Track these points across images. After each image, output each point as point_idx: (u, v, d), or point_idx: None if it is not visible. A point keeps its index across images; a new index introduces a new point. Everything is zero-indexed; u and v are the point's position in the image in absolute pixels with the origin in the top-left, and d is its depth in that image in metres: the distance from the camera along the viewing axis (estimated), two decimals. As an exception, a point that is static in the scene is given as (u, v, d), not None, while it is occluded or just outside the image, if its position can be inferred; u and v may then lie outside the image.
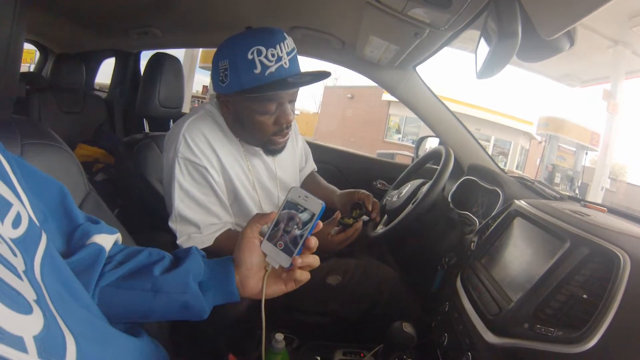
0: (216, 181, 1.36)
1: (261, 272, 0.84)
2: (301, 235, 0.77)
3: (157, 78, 1.87)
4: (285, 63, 1.23)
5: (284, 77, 1.23)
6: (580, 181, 13.39)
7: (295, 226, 0.78)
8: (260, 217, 0.84)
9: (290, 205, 0.80)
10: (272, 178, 1.59)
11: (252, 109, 1.29)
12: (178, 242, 1.32)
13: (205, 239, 1.34)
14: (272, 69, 1.20)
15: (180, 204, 1.32)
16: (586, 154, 15.27)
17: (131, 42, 2.97)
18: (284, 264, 0.79)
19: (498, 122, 17.49)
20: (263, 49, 1.19)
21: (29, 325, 0.43)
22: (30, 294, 0.46)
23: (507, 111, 17.80)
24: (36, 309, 0.45)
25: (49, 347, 0.44)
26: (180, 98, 2.05)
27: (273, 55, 1.20)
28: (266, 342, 1.24)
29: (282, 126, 1.35)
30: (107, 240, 0.75)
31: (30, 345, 0.41)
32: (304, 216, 0.78)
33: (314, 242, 0.78)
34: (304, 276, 0.83)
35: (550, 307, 0.80)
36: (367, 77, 2.23)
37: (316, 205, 0.78)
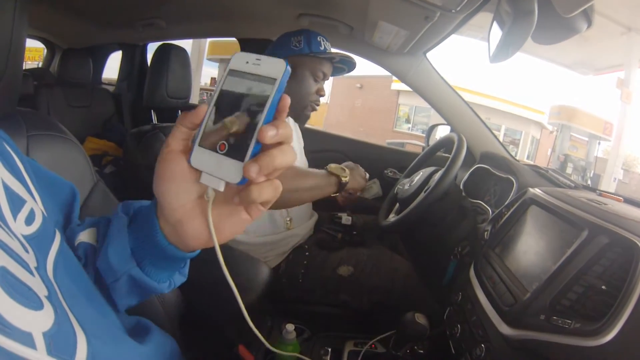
0: None
1: (201, 206, 0.54)
2: (255, 123, 0.46)
3: (164, 69, 1.86)
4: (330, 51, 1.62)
5: (332, 56, 1.62)
6: (592, 172, 13.28)
7: (245, 111, 0.47)
8: (186, 115, 0.51)
9: (233, 80, 0.49)
10: (296, 149, 1.62)
11: (308, 69, 1.59)
12: None
13: None
14: (327, 51, 1.60)
15: None
16: (599, 143, 15.13)
17: (137, 34, 2.95)
18: (232, 178, 0.47)
19: (509, 111, 17.33)
20: (324, 39, 1.60)
21: (39, 321, 0.42)
22: (41, 290, 0.45)
23: (518, 100, 17.64)
24: (47, 305, 0.44)
25: (59, 344, 0.43)
26: (188, 88, 2.04)
27: (327, 45, 1.61)
28: (276, 332, 1.24)
29: (318, 96, 1.66)
30: (92, 234, 0.70)
31: (40, 341, 0.40)
32: (258, 89, 0.48)
33: (280, 127, 0.46)
34: (268, 193, 0.48)
35: (568, 298, 0.77)
36: (376, 64, 2.20)
37: (276, 67, 0.48)
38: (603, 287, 0.74)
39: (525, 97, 18.04)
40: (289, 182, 1.29)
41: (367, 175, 1.60)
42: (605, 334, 0.66)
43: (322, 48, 1.57)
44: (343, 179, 1.41)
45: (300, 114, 1.65)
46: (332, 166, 1.44)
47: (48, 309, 0.44)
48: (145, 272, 0.58)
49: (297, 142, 1.75)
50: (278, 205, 1.39)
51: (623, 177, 12.13)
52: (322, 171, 1.42)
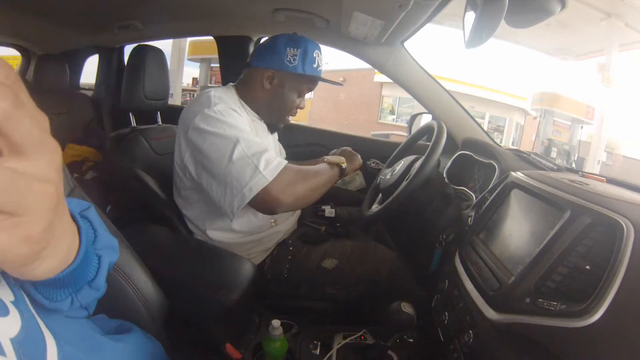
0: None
1: None
2: None
3: (140, 70, 1.84)
4: (322, 68, 1.58)
5: (321, 76, 1.57)
6: (576, 155, 13.42)
7: None
8: None
9: None
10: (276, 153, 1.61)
11: (295, 87, 1.54)
12: (264, 171, 1.23)
13: (280, 160, 1.30)
14: (320, 69, 1.55)
15: (240, 134, 1.28)
16: (581, 127, 15.28)
17: (113, 36, 2.92)
18: None
19: (492, 98, 17.41)
20: (319, 53, 1.55)
21: (5, 328, 0.41)
22: (7, 296, 0.44)
23: (501, 87, 17.73)
24: (13, 310, 0.43)
25: (29, 350, 0.42)
26: (166, 89, 2.02)
27: (321, 60, 1.55)
28: (264, 329, 1.23)
29: (297, 109, 1.62)
30: None
31: (8, 347, 0.40)
32: None
33: None
34: None
35: (552, 280, 0.77)
36: (355, 56, 2.19)
37: None
38: (587, 267, 0.74)
39: (508, 84, 18.15)
40: (306, 183, 1.33)
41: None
42: (592, 314, 0.66)
43: (316, 65, 1.53)
44: (343, 165, 1.47)
45: (276, 125, 1.65)
46: (329, 158, 1.50)
47: (14, 314, 0.43)
48: (39, 290, 0.52)
49: (276, 152, 1.73)
50: (300, 205, 1.43)
51: (607, 160, 12.29)
52: (325, 165, 1.47)
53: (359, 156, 1.67)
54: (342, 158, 1.51)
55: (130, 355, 0.69)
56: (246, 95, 1.55)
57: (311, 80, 1.56)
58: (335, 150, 1.69)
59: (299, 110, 1.60)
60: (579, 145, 14.11)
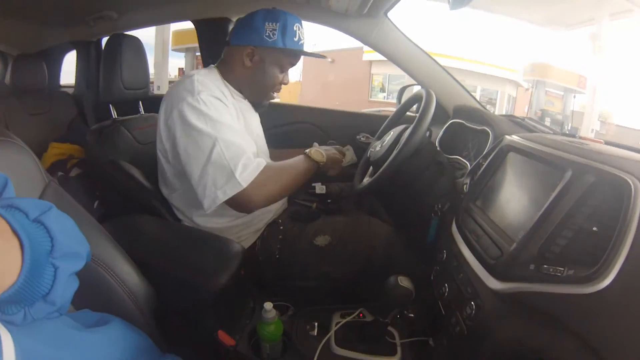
0: (235, 117, 1.41)
1: None
2: None
3: (117, 60, 1.77)
4: (304, 42, 1.54)
5: (303, 49, 1.54)
6: (570, 125, 13.45)
7: None
8: None
9: None
10: (258, 135, 1.65)
11: (276, 63, 1.51)
12: (240, 177, 1.22)
13: (259, 162, 1.29)
14: (301, 42, 1.52)
15: (219, 133, 1.25)
16: (574, 97, 15.29)
17: (88, 30, 2.83)
18: None
19: (483, 72, 17.38)
20: (300, 26, 1.51)
21: None
22: None
23: (492, 60, 17.69)
24: None
25: None
26: (146, 77, 1.96)
27: (302, 34, 1.51)
28: (259, 313, 1.19)
29: (281, 85, 1.59)
30: None
31: None
32: None
33: None
34: None
35: (557, 244, 0.73)
36: (338, 30, 2.12)
37: None
38: (594, 228, 0.69)
39: (499, 57, 18.13)
40: (282, 182, 1.34)
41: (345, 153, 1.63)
42: (602, 279, 0.62)
43: (297, 39, 1.49)
44: (320, 163, 1.46)
45: (260, 102, 1.63)
46: (312, 152, 1.47)
47: None
48: None
49: (258, 129, 1.69)
50: (273, 202, 1.39)
51: (600, 129, 12.32)
52: (303, 158, 1.45)
53: (341, 165, 1.62)
54: (323, 157, 1.47)
55: (107, 345, 0.68)
56: (228, 75, 1.52)
57: (293, 54, 1.53)
58: (323, 147, 1.60)
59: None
60: (572, 115, 14.14)
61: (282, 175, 1.35)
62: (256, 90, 1.56)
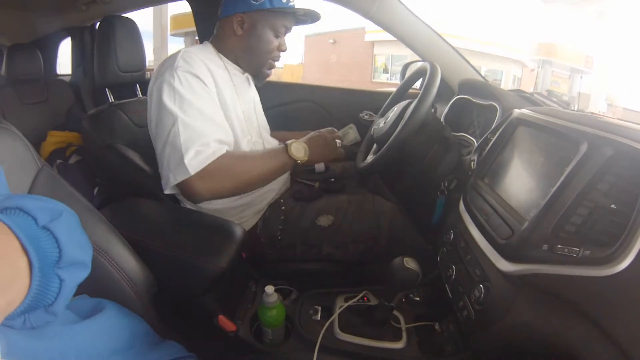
0: (213, 98, 1.34)
1: None
2: None
3: (111, 43, 1.73)
4: (294, 3, 1.47)
5: (293, 8, 1.46)
6: (576, 106, 13.35)
7: None
8: None
9: None
10: (256, 111, 1.64)
11: (268, 26, 1.45)
12: (188, 164, 1.17)
13: (217, 149, 1.23)
14: (291, 3, 1.44)
15: (181, 114, 1.21)
16: (581, 77, 15.13)
17: (81, 15, 2.81)
18: None
19: (487, 51, 17.20)
20: None
21: None
22: None
23: (497, 40, 17.50)
24: None
25: None
26: (141, 60, 1.91)
27: None
28: (261, 297, 1.16)
29: (279, 52, 1.54)
30: None
31: None
32: None
33: None
34: None
35: (572, 223, 0.68)
36: (336, 3, 2.07)
37: None
38: (612, 206, 0.65)
39: (504, 37, 17.94)
40: (241, 177, 1.28)
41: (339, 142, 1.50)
42: (621, 260, 0.59)
43: (285, 0, 1.43)
44: (298, 161, 1.36)
45: (258, 71, 1.56)
46: (291, 146, 1.36)
47: None
48: None
49: (255, 102, 1.67)
50: (227, 197, 1.35)
51: (607, 111, 12.23)
52: (280, 151, 1.37)
53: (339, 146, 1.49)
54: (305, 154, 1.37)
55: (103, 334, 0.68)
56: (223, 48, 1.50)
57: (284, 15, 1.47)
58: (318, 131, 1.51)
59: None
60: (578, 97, 14.03)
61: (242, 168, 1.29)
62: (253, 58, 1.52)
